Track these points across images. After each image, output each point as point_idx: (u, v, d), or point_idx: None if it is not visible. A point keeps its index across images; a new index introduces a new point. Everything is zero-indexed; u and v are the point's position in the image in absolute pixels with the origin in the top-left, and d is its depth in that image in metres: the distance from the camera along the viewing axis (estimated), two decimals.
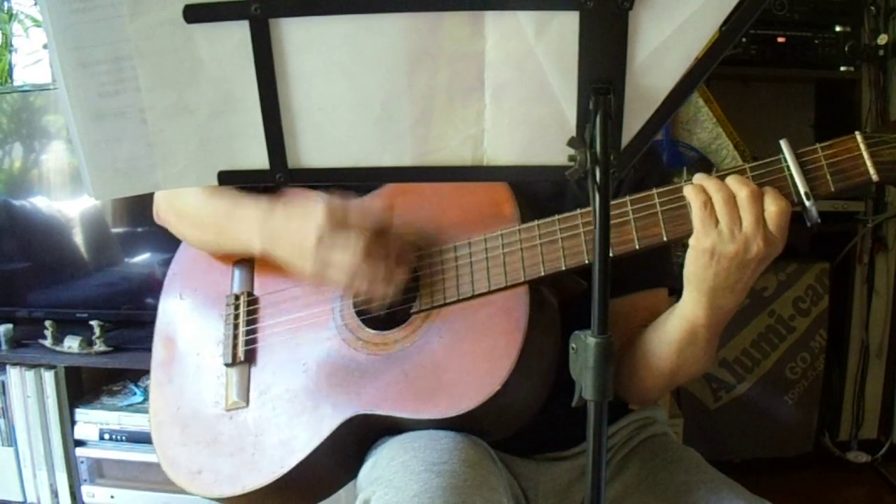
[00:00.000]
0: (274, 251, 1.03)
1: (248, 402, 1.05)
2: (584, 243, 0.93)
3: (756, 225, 0.83)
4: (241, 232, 1.06)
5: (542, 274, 0.95)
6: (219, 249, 1.14)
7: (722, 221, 0.84)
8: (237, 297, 1.12)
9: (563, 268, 0.94)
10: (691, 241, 0.87)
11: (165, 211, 1.17)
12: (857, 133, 0.85)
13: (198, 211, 1.12)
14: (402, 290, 0.99)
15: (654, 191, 0.91)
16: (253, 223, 1.05)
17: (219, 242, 1.12)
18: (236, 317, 1.11)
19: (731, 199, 0.84)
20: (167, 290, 1.20)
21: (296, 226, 0.99)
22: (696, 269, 0.87)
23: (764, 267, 0.88)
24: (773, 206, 0.83)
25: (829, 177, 0.85)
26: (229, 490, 1.01)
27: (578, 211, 0.94)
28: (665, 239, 0.89)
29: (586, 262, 0.93)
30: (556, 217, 0.96)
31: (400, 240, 0.99)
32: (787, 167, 0.86)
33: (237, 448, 1.03)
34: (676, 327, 0.95)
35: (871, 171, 0.84)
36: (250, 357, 1.08)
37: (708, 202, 0.84)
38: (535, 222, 0.97)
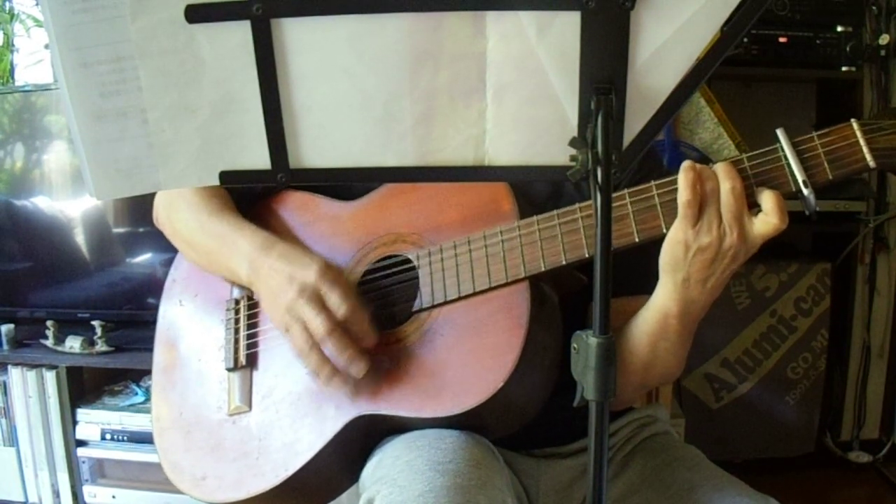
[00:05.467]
0: (258, 286, 1.04)
1: (250, 406, 1.05)
2: (584, 238, 0.93)
3: (734, 220, 0.84)
4: (231, 260, 1.06)
5: (543, 269, 0.94)
6: (207, 270, 1.14)
7: (704, 213, 0.85)
8: (237, 302, 1.12)
9: (564, 262, 0.94)
10: (670, 230, 0.88)
11: (162, 224, 1.17)
12: (853, 121, 0.86)
13: (193, 232, 1.11)
14: (353, 386, 0.97)
15: (653, 183, 0.91)
16: (244, 255, 1.04)
17: (208, 265, 1.12)
18: (237, 321, 1.11)
19: (716, 191, 0.85)
20: (167, 295, 1.20)
21: (284, 274, 0.98)
22: (670, 258, 0.88)
23: (737, 266, 0.88)
24: (763, 226, 0.84)
25: (826, 164, 0.85)
26: (234, 495, 1.01)
27: (577, 205, 0.94)
28: (664, 231, 0.89)
29: (586, 256, 0.93)
30: (555, 212, 0.95)
31: (370, 333, 0.97)
32: (785, 156, 0.86)
33: (241, 453, 1.03)
34: (650, 319, 0.96)
35: (868, 157, 0.84)
36: (252, 361, 1.08)
37: (694, 189, 0.85)
38: (535, 218, 0.96)
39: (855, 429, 2.43)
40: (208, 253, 1.10)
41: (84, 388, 2.02)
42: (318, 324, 0.94)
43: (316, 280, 0.96)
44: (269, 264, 1.01)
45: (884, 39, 2.17)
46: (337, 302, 0.95)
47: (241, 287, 1.11)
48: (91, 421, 1.94)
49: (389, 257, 1.05)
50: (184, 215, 1.12)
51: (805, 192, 0.85)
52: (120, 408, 1.94)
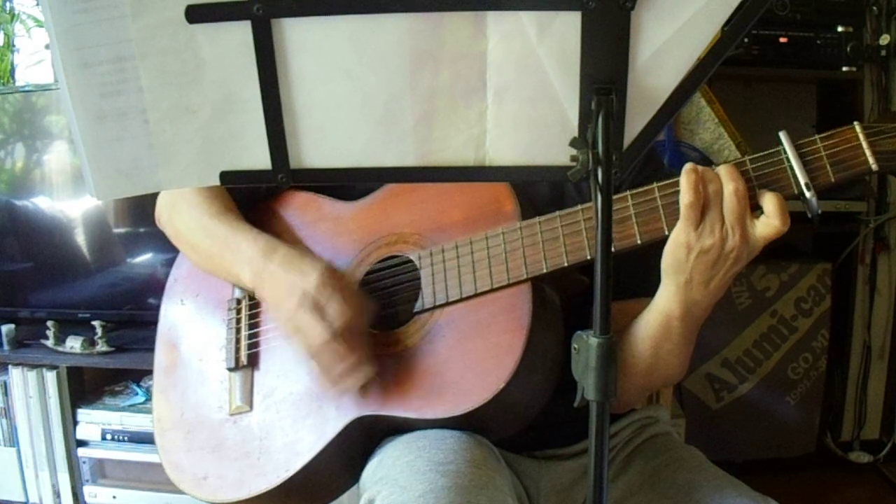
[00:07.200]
0: (261, 292, 1.04)
1: (251, 406, 1.05)
2: (587, 239, 0.93)
3: (736, 222, 0.84)
4: (234, 264, 1.06)
5: (545, 270, 0.95)
6: (209, 272, 1.14)
7: (706, 215, 0.85)
8: (239, 302, 1.12)
9: (566, 264, 0.94)
10: (672, 232, 0.87)
11: (164, 225, 1.17)
12: (855, 123, 0.85)
13: (195, 234, 1.11)
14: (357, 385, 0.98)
15: (655, 185, 0.91)
16: (247, 260, 1.04)
17: (211, 267, 1.12)
18: (238, 321, 1.11)
19: (719, 193, 0.85)
20: (168, 295, 1.20)
21: (285, 282, 0.99)
22: (672, 260, 0.88)
23: (740, 267, 0.88)
24: (765, 228, 0.84)
25: (828, 167, 0.85)
26: (235, 495, 1.01)
27: (580, 207, 0.94)
28: (667, 233, 0.89)
29: (588, 258, 0.93)
30: (558, 214, 0.95)
31: (366, 344, 0.98)
32: (787, 158, 0.86)
33: (242, 452, 1.03)
34: (652, 321, 0.96)
35: (871, 160, 0.84)
36: (253, 361, 1.08)
37: (696, 191, 0.85)
38: (537, 219, 0.96)
39: (855, 429, 2.43)
40: (210, 256, 1.10)
41: (84, 388, 2.02)
42: (316, 334, 0.95)
43: (315, 290, 0.96)
44: (270, 271, 1.01)
45: (884, 40, 2.17)
46: (334, 313, 0.95)
47: (244, 289, 1.11)
48: (92, 421, 1.94)
49: (391, 258, 1.05)
50: (185, 217, 1.12)
51: (807, 194, 0.85)
52: (120, 408, 1.94)
